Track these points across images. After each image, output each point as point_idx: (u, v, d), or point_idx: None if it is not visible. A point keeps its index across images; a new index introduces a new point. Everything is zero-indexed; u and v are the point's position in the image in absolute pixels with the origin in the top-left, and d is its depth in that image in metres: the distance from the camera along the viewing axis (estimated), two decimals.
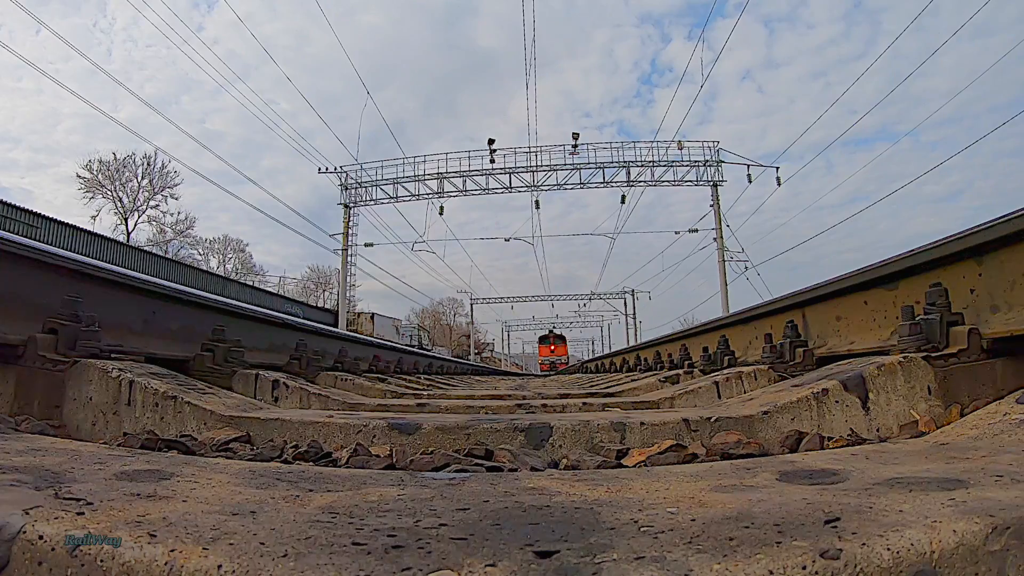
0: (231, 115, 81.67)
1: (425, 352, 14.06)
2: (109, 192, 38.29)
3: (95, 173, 37.97)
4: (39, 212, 16.81)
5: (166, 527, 0.69)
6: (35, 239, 3.22)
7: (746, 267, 21.54)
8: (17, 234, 2.55)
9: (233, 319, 3.48)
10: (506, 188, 23.88)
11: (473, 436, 1.69)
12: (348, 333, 7.56)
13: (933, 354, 1.85)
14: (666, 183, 23.36)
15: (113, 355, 2.21)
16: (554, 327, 54.69)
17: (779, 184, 21.33)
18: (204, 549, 0.63)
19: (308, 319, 7.56)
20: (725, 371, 3.57)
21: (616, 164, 23.21)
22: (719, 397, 3.04)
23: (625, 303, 45.30)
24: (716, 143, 22.88)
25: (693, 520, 0.74)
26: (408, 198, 24.41)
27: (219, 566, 0.60)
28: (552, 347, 49.83)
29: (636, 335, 42.07)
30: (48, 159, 62.64)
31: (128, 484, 0.92)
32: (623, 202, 23.91)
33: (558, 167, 23.42)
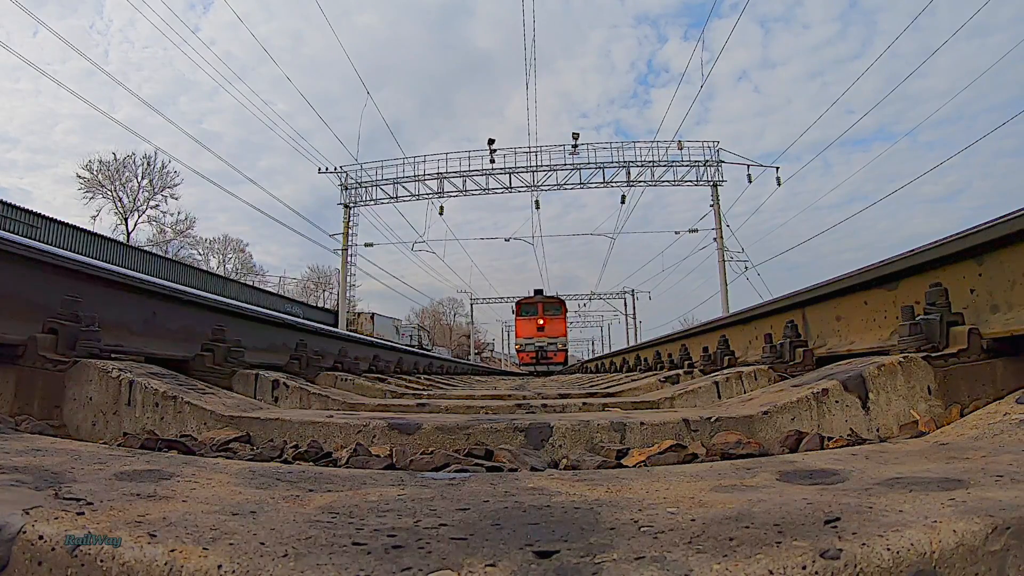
0: (228, 116, 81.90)
1: (425, 352, 14.06)
2: (109, 192, 38.36)
3: (95, 173, 38.05)
4: (39, 212, 16.82)
5: (166, 527, 0.69)
6: (35, 239, 3.22)
7: (746, 267, 21.56)
8: (17, 234, 2.55)
9: (233, 319, 3.48)
10: (506, 188, 23.89)
11: (473, 436, 1.69)
12: (348, 333, 7.56)
13: (933, 354, 1.85)
14: (666, 183, 23.38)
15: (113, 355, 2.21)
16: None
17: (779, 184, 21.34)
18: (204, 549, 0.63)
19: (308, 319, 7.56)
20: (725, 371, 3.57)
21: (616, 164, 23.22)
22: (719, 397, 3.04)
23: (625, 303, 45.35)
24: (716, 143, 22.91)
25: (693, 520, 0.74)
26: (408, 198, 24.42)
27: (219, 566, 0.60)
28: (541, 321, 27.56)
29: (636, 335, 42.10)
30: (46, 160, 62.80)
31: (128, 484, 0.92)
32: (623, 202, 23.91)
33: (558, 167, 23.43)
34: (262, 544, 0.65)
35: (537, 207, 24.26)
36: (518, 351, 28.87)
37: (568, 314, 30.46)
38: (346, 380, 4.11)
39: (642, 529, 0.71)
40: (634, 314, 44.83)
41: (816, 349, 3.13)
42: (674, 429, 1.72)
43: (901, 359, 1.84)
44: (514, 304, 30.79)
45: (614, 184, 23.50)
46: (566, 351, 28.39)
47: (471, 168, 23.71)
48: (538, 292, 29.92)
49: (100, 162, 38.24)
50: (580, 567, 0.59)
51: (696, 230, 23.83)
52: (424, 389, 5.15)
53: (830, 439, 1.60)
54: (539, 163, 23.45)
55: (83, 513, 0.73)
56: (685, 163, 22.97)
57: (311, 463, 1.46)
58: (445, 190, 23.91)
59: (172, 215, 40.96)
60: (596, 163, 23.33)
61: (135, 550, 0.63)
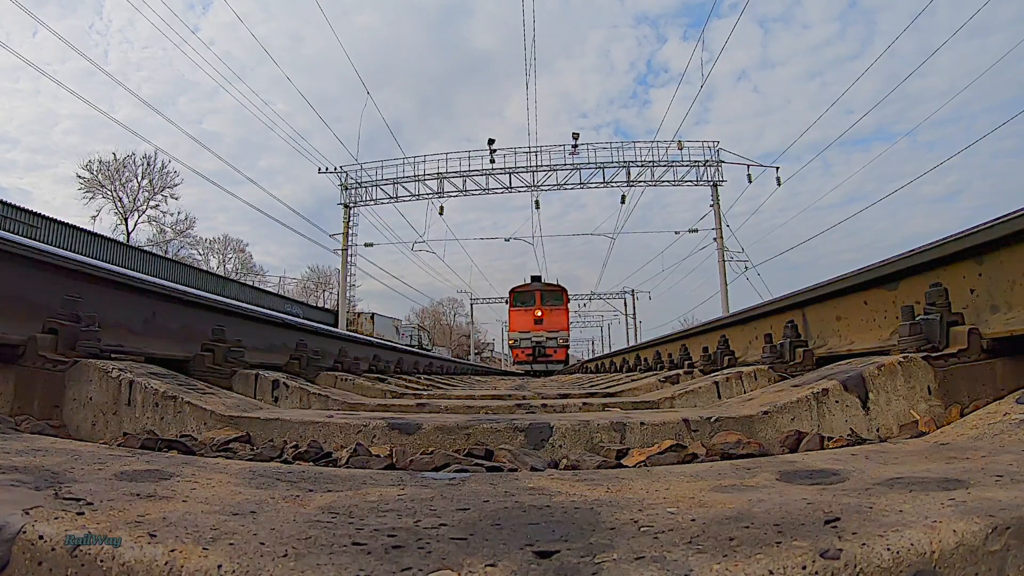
0: (228, 116, 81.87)
1: (425, 352, 14.06)
2: (109, 192, 38.38)
3: (95, 173, 38.07)
4: (39, 212, 16.82)
5: (166, 527, 0.69)
6: (35, 239, 3.22)
7: (746, 267, 21.56)
8: (17, 234, 2.55)
9: (233, 319, 3.48)
10: (506, 188, 23.88)
11: (473, 436, 1.69)
12: (348, 333, 7.56)
13: (933, 354, 1.85)
14: (666, 183, 23.38)
15: (113, 355, 2.21)
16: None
17: (779, 184, 21.33)
18: (204, 549, 0.63)
19: (308, 319, 7.56)
20: (725, 371, 3.56)
21: (616, 164, 23.22)
22: (719, 397, 3.04)
23: (625, 303, 45.38)
24: (716, 143, 22.90)
25: (693, 520, 0.74)
26: (408, 198, 24.41)
27: (219, 566, 0.60)
28: (540, 312, 23.01)
29: (636, 335, 42.09)
30: (46, 160, 62.94)
31: (128, 484, 0.92)
32: (623, 202, 23.89)
33: (558, 167, 23.43)
34: (262, 544, 0.65)
35: (537, 207, 24.25)
36: (512, 347, 23.68)
37: (570, 305, 25.17)
38: (346, 380, 4.11)
39: (642, 529, 0.71)
40: (634, 314, 44.86)
41: (816, 349, 3.13)
42: (674, 429, 1.72)
43: (901, 359, 1.84)
44: (508, 293, 25.00)
45: (614, 184, 23.50)
46: (567, 347, 23.75)
47: (471, 168, 23.70)
48: (536, 279, 24.56)
49: (100, 162, 38.30)
50: (580, 567, 0.59)
51: (696, 230, 23.82)
52: (424, 389, 5.15)
53: (830, 439, 1.60)
54: (539, 163, 23.44)
55: (83, 513, 0.73)
56: (685, 163, 22.95)
57: (311, 463, 1.46)
58: (445, 190, 23.90)
59: (172, 215, 41.03)
60: (596, 163, 23.32)
61: (135, 550, 0.63)
